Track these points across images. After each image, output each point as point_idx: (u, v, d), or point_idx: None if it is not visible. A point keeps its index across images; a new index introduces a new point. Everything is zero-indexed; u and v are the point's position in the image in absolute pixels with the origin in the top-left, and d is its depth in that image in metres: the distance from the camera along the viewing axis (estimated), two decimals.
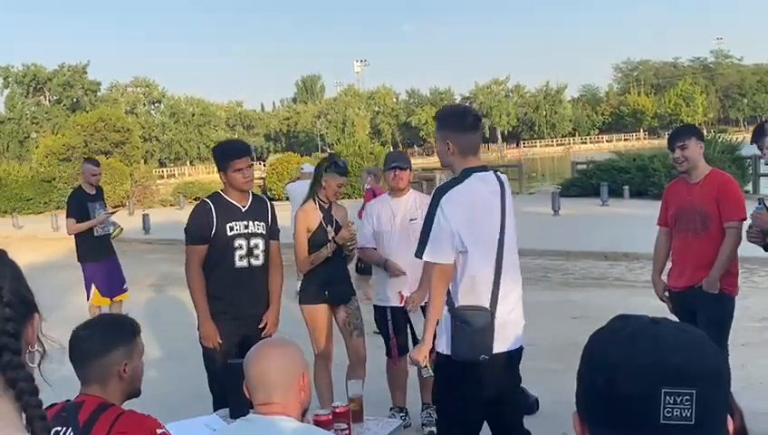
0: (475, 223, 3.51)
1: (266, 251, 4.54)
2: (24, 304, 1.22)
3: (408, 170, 5.27)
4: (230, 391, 3.33)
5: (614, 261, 12.11)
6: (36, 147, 48.97)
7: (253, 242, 4.46)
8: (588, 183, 23.47)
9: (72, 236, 8.15)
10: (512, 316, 3.60)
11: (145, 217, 21.13)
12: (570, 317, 8.41)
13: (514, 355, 3.68)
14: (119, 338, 2.56)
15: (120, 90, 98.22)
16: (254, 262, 4.48)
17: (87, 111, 52.59)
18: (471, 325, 3.48)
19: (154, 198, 33.94)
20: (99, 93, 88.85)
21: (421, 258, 3.56)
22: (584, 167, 25.98)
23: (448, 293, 3.54)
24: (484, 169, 3.64)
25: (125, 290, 8.51)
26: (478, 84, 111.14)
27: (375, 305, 5.42)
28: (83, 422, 2.35)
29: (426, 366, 3.61)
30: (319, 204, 5.07)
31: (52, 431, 2.32)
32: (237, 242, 4.41)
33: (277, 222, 4.72)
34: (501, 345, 3.54)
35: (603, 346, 1.06)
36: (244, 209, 4.48)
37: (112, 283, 8.31)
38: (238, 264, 4.43)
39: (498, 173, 3.72)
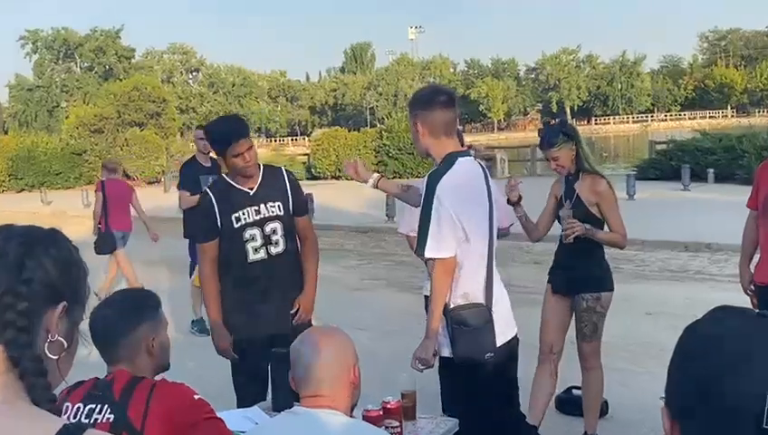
0: (470, 210, 3.56)
1: (288, 234, 4.32)
2: (51, 289, 1.28)
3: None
4: (274, 382, 3.39)
5: (695, 252, 11.93)
6: (66, 117, 50.00)
7: (269, 228, 4.24)
8: (667, 165, 23.05)
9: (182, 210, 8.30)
10: (505, 304, 3.73)
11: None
12: (644, 313, 8.32)
13: (515, 343, 3.82)
14: (142, 313, 2.64)
15: (155, 57, 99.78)
16: (273, 250, 4.26)
17: (120, 79, 53.58)
18: (470, 325, 3.55)
19: None
20: (133, 60, 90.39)
21: (423, 256, 3.56)
22: (664, 147, 25.48)
23: None
24: (465, 153, 3.70)
25: None
26: (545, 54, 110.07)
27: (426, 295, 5.41)
28: (118, 397, 2.44)
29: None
30: (566, 175, 4.83)
31: (86, 408, 2.42)
32: (248, 233, 4.21)
33: (302, 194, 4.46)
34: (502, 336, 3.65)
35: (703, 340, 1.05)
36: (252, 192, 4.24)
37: None
38: (252, 257, 4.23)
39: (477, 160, 3.81)
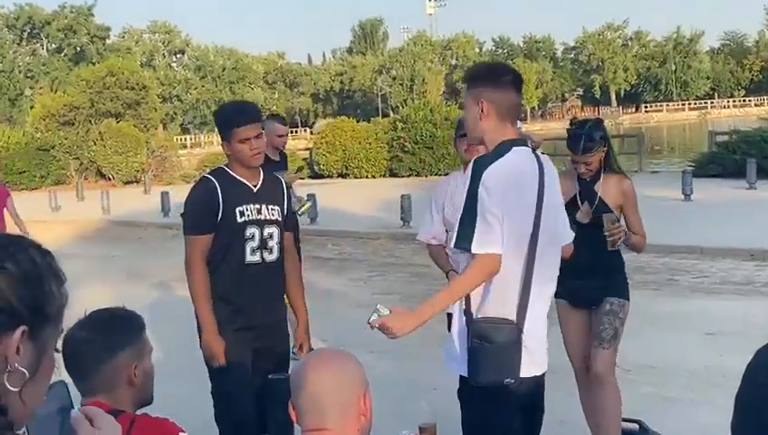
0: (513, 210, 3.53)
1: (281, 243, 4.53)
2: (5, 313, 1.26)
3: None
4: (271, 414, 3.40)
5: (763, 261, 11.86)
6: (31, 107, 50.38)
7: (267, 231, 4.44)
8: (730, 159, 22.98)
9: None
10: (540, 331, 3.69)
11: (164, 195, 21.57)
12: (703, 333, 8.28)
13: (541, 382, 3.80)
14: (124, 337, 2.63)
15: (134, 36, 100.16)
16: (267, 256, 4.45)
17: (93, 63, 53.89)
18: (492, 342, 3.53)
19: (175, 172, 34.59)
20: (108, 41, 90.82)
21: (470, 250, 3.51)
22: (725, 138, 25.39)
23: (467, 300, 3.59)
24: (522, 142, 3.69)
25: None
26: (587, 30, 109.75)
27: (448, 313, 5.40)
28: None
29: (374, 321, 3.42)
30: (579, 174, 5.00)
31: None
32: (249, 231, 4.39)
33: (291, 209, 4.72)
34: (530, 368, 3.60)
35: None
36: (255, 189, 4.46)
37: None
38: (249, 258, 4.40)
39: (537, 152, 3.78)
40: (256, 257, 4.41)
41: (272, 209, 4.47)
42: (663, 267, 11.90)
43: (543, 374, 3.81)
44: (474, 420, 3.72)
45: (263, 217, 4.42)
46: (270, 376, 3.63)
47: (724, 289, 10.47)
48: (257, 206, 4.42)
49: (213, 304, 4.40)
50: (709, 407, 6.00)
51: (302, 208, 8.17)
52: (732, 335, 7.94)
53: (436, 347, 7.30)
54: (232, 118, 4.43)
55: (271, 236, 4.44)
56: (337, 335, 8.11)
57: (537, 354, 3.67)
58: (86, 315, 2.65)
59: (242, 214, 4.36)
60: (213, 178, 4.43)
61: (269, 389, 3.53)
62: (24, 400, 1.30)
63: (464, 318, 3.62)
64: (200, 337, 4.43)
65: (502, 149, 3.56)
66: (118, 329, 2.65)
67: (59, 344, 1.40)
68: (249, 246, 4.38)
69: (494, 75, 3.68)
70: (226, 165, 4.51)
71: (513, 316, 3.56)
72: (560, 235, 3.80)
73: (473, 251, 3.49)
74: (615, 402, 5.05)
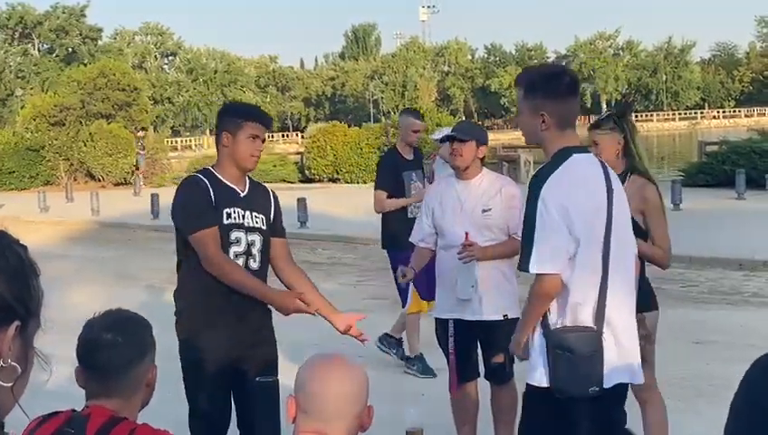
0: (582, 216, 3.47)
1: (264, 253, 4.40)
2: (0, 310, 1.27)
3: (473, 143, 5.06)
4: (259, 417, 3.39)
5: (751, 271, 11.91)
6: (22, 107, 50.17)
7: (250, 238, 4.32)
8: (719, 170, 23.06)
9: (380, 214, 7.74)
10: (623, 339, 3.59)
11: (154, 197, 21.47)
12: (691, 342, 8.30)
13: (623, 392, 3.71)
14: (148, 339, 2.62)
15: (126, 38, 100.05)
16: (251, 264, 4.32)
17: (85, 64, 53.75)
18: (575, 352, 3.45)
19: (165, 174, 34.45)
20: (100, 42, 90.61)
21: (528, 271, 3.49)
22: (715, 148, 25.53)
23: None
24: (584, 149, 3.64)
25: None
26: (579, 39, 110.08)
27: (436, 317, 5.41)
28: None
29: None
30: None
31: None
32: (234, 235, 4.26)
33: (282, 219, 4.59)
34: (612, 375, 3.52)
35: None
36: (242, 194, 4.35)
37: (431, 281, 7.61)
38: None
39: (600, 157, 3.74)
40: (240, 263, 4.27)
41: (256, 217, 4.34)
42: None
43: (627, 385, 3.72)
44: (543, 431, 3.68)
45: (247, 224, 4.31)
46: (258, 379, 3.61)
47: (712, 298, 10.50)
48: (244, 211, 4.30)
49: (190, 307, 4.30)
50: (696, 416, 6.00)
51: None
52: (719, 344, 7.97)
53: (424, 353, 7.31)
54: (246, 110, 4.44)
55: (253, 243, 4.32)
56: (326, 339, 8.08)
57: (619, 362, 3.58)
58: (100, 316, 2.60)
59: (229, 216, 4.24)
60: (204, 178, 4.30)
61: (259, 391, 3.51)
62: (14, 392, 1.30)
63: (539, 328, 3.55)
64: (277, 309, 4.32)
65: (560, 157, 3.50)
66: (142, 331, 2.63)
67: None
68: (233, 250, 4.25)
69: (553, 85, 3.57)
70: (213, 166, 4.39)
71: (590, 323, 3.49)
72: (630, 242, 3.74)
73: (531, 271, 3.46)
74: (661, 419, 5.07)
